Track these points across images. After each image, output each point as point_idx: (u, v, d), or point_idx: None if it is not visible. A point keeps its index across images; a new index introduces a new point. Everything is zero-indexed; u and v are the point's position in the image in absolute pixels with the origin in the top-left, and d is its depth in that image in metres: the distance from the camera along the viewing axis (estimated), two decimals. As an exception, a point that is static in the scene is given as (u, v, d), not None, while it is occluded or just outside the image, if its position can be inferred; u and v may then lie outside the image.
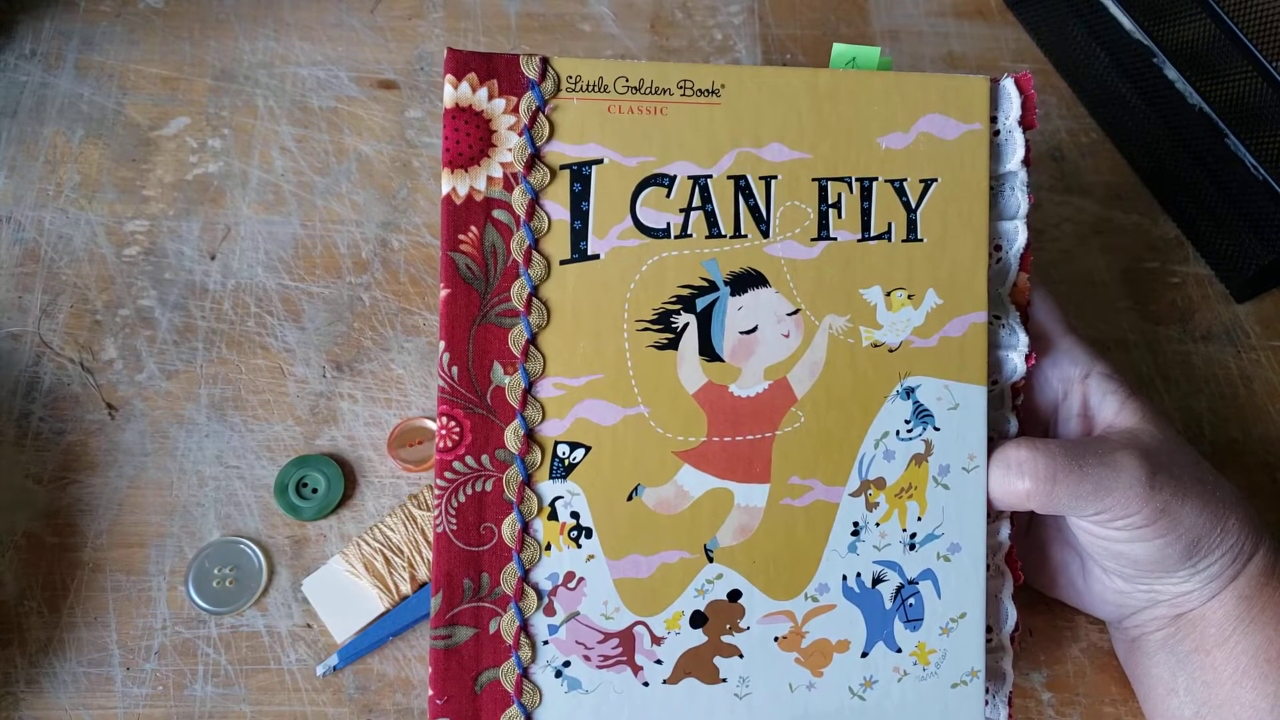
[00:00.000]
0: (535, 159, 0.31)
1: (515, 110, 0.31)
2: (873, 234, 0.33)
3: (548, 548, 0.32)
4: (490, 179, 0.31)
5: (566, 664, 0.32)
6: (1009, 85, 0.35)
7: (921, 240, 0.34)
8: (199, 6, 0.53)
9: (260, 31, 0.53)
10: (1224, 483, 0.35)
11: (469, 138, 0.31)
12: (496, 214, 0.31)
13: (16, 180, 0.48)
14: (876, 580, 0.34)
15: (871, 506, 0.33)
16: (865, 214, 0.33)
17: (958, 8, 0.57)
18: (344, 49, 0.53)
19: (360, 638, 0.40)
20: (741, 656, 0.33)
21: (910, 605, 0.34)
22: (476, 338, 0.31)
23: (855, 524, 0.33)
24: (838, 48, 0.35)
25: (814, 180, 0.33)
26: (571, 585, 0.32)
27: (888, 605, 0.34)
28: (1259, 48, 0.44)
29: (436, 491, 0.32)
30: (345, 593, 0.40)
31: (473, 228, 0.31)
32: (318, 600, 0.40)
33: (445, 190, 0.31)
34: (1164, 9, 0.50)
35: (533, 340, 0.31)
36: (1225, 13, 0.45)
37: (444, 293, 0.31)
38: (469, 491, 0.32)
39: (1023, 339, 0.35)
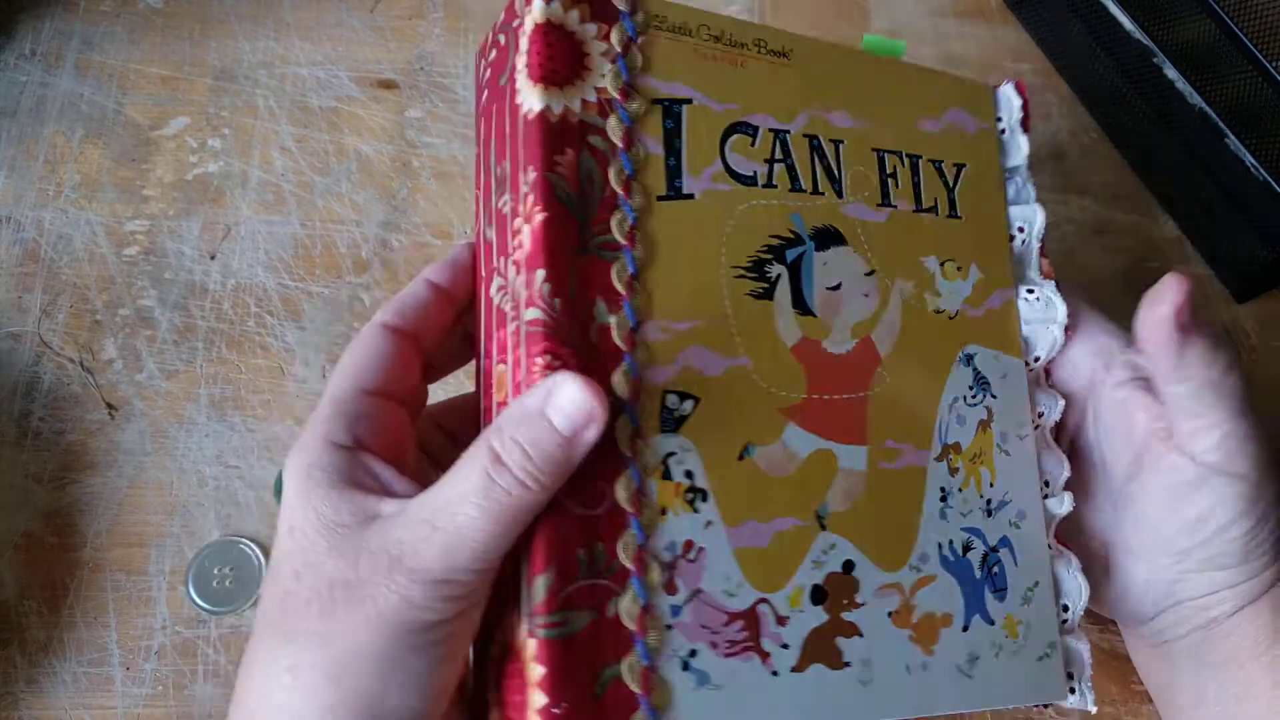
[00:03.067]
0: (630, 88, 0.29)
1: (607, 38, 0.29)
2: (924, 206, 0.34)
3: (663, 512, 0.27)
4: (585, 102, 0.28)
5: (693, 653, 0.27)
6: (1009, 90, 0.37)
7: (960, 218, 0.35)
8: (199, 6, 0.53)
9: (260, 31, 0.53)
10: None
11: (562, 56, 0.28)
12: (592, 139, 0.28)
13: (16, 180, 0.48)
14: (966, 548, 0.33)
15: (953, 472, 0.33)
16: (916, 187, 0.34)
17: (958, 7, 0.57)
18: (344, 49, 0.53)
19: (360, 638, 0.40)
20: (861, 636, 0.30)
21: (995, 574, 0.33)
22: (579, 269, 0.27)
23: (943, 489, 0.32)
24: (868, 38, 0.36)
25: (873, 150, 0.33)
26: (691, 556, 0.27)
27: (977, 574, 0.33)
28: (1259, 48, 0.44)
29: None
30: (345, 593, 0.40)
31: (568, 149, 0.27)
32: (318, 600, 0.40)
33: (536, 107, 0.27)
34: (1164, 9, 0.50)
35: (636, 276, 0.28)
36: (1225, 13, 0.45)
37: (540, 216, 0.27)
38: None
39: (1061, 309, 0.35)
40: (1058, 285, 0.36)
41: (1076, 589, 0.35)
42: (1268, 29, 0.45)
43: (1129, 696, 0.40)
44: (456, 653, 0.26)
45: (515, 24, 0.29)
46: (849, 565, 0.30)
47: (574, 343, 0.26)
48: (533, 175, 0.27)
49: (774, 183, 0.31)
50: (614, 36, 0.29)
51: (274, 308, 0.46)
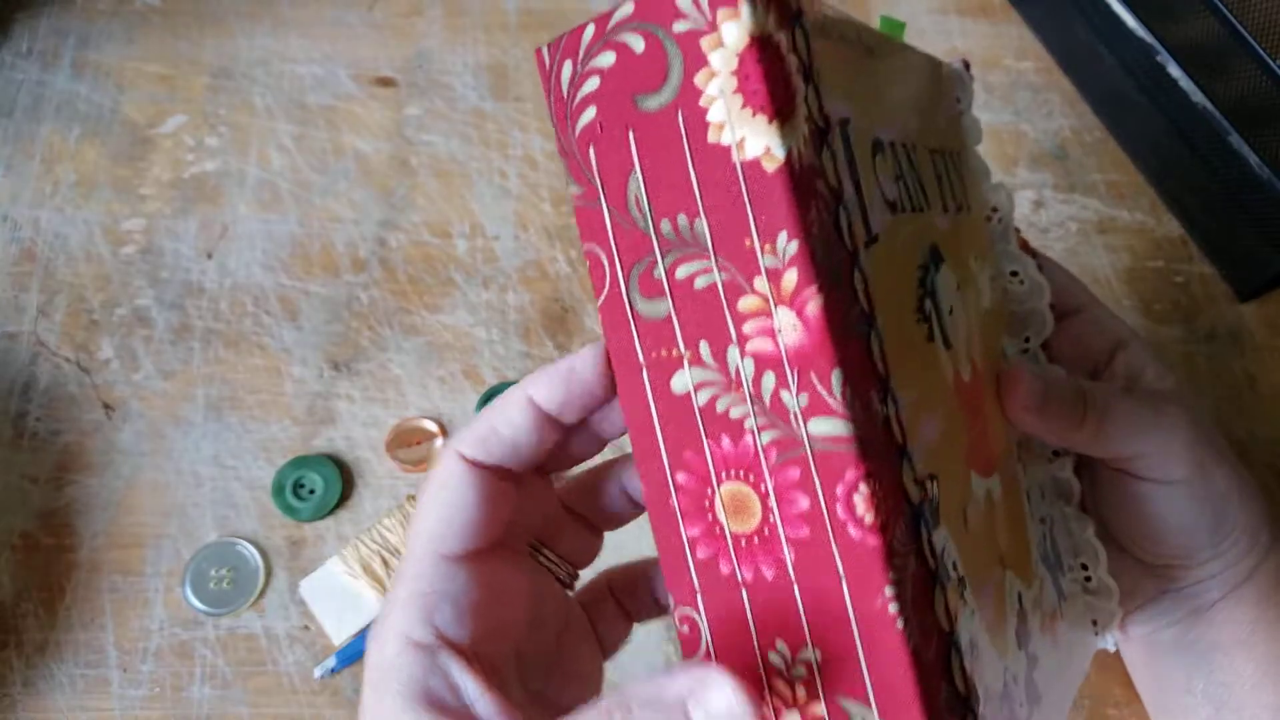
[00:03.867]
0: (823, 110, 0.22)
1: (795, 49, 0.21)
2: (959, 205, 0.32)
3: (955, 619, 0.23)
4: (805, 137, 0.21)
5: None
6: (960, 69, 0.35)
7: (969, 210, 0.33)
8: (196, 4, 0.53)
9: (258, 29, 0.52)
10: (1244, 469, 0.35)
11: (779, 80, 0.21)
12: (818, 184, 0.21)
13: (13, 179, 0.48)
14: (1043, 539, 0.32)
15: (1025, 468, 0.32)
16: (954, 186, 0.32)
17: (960, 4, 0.57)
18: (342, 46, 0.52)
19: (358, 639, 0.39)
20: (1039, 661, 0.28)
21: (1055, 551, 0.33)
22: (853, 362, 0.21)
23: (1026, 490, 0.32)
24: (882, 19, 0.34)
25: (929, 152, 0.29)
26: (976, 657, 0.23)
27: (1051, 558, 0.33)
28: (1263, 46, 0.44)
29: (890, 589, 0.21)
30: (343, 594, 0.40)
31: (814, 203, 0.21)
32: (315, 602, 0.40)
33: (779, 153, 0.20)
34: (1168, 6, 0.50)
35: (884, 348, 0.22)
36: (1229, 11, 0.45)
37: (816, 299, 0.20)
38: (906, 578, 0.21)
39: (1046, 290, 0.35)
40: (1039, 264, 0.36)
41: (1091, 549, 0.34)
42: (1271, 26, 0.45)
43: (1133, 698, 0.40)
44: None
45: (691, 29, 0.21)
46: (1021, 597, 0.28)
47: (880, 456, 0.21)
48: (793, 245, 0.20)
49: (905, 205, 0.26)
50: (800, 46, 0.22)
51: (271, 307, 0.46)
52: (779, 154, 0.20)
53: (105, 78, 0.50)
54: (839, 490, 0.21)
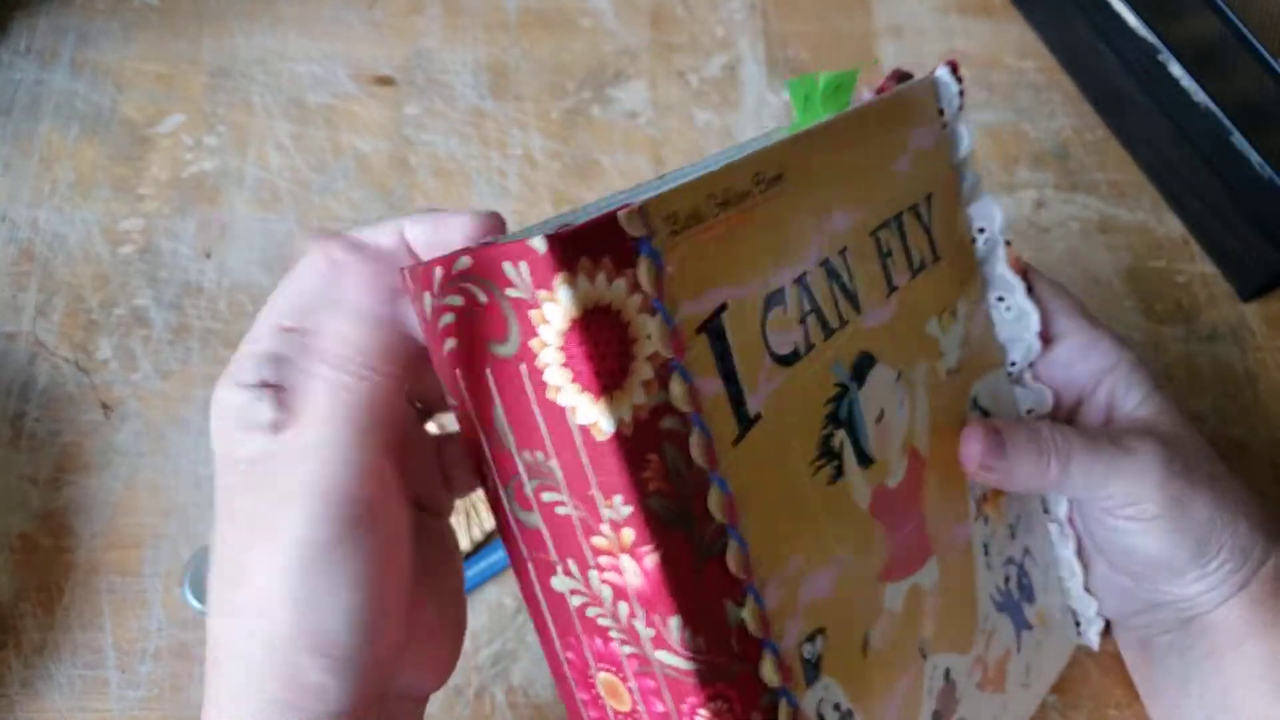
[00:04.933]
0: (678, 335, 0.23)
1: (636, 287, 0.22)
2: (916, 268, 0.32)
3: None
4: (645, 384, 0.22)
5: None
6: (945, 75, 0.33)
7: (941, 257, 0.33)
8: (195, 3, 0.53)
9: (256, 27, 0.52)
10: (1238, 484, 0.35)
11: (612, 345, 0.22)
12: (665, 424, 0.22)
13: (11, 178, 0.47)
14: (1006, 580, 0.34)
15: (986, 520, 0.34)
16: (906, 251, 0.31)
17: (962, 3, 0.57)
18: (341, 45, 0.52)
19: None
20: None
21: (1025, 584, 0.35)
22: (703, 586, 0.23)
23: (984, 544, 0.33)
24: (824, 77, 0.31)
25: (870, 235, 0.30)
26: None
27: (1016, 596, 0.34)
28: (1264, 45, 0.44)
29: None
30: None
31: (651, 456, 0.22)
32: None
33: (608, 428, 0.21)
34: (1169, 5, 0.50)
35: (746, 551, 0.24)
36: (1231, 9, 0.45)
37: (653, 556, 0.22)
38: None
39: (1034, 319, 0.35)
40: (1029, 286, 0.35)
41: (1070, 568, 0.37)
42: (1273, 25, 0.45)
43: (1133, 699, 0.40)
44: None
45: (520, 297, 0.21)
46: (947, 673, 0.31)
47: (727, 674, 0.23)
48: (628, 510, 0.22)
49: (812, 342, 0.27)
50: (643, 278, 0.22)
51: (270, 307, 0.46)
52: (607, 429, 0.21)
53: (104, 77, 0.50)
54: (684, 708, 0.23)
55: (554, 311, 0.21)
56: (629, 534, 0.22)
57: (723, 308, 0.24)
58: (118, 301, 0.45)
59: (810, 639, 0.26)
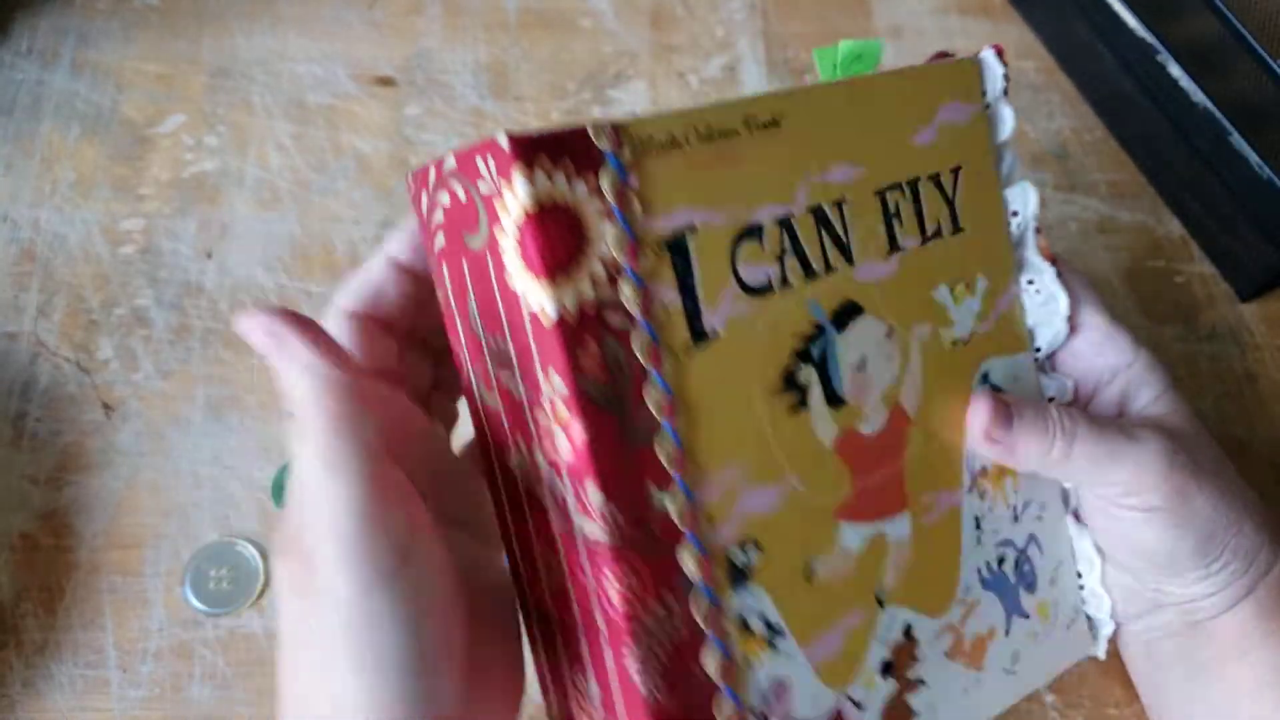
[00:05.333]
0: (635, 243, 0.26)
1: (598, 191, 0.25)
2: (929, 234, 0.33)
3: (749, 665, 0.28)
4: (595, 279, 0.25)
5: None
6: (990, 57, 0.35)
7: (964, 229, 0.34)
8: (195, 3, 0.53)
9: (256, 28, 0.52)
10: (1246, 488, 0.34)
11: (563, 238, 0.25)
12: (610, 318, 0.26)
13: (12, 178, 0.47)
14: (1000, 561, 0.34)
15: (983, 496, 0.34)
16: (919, 216, 0.32)
17: (961, 4, 0.57)
18: (341, 45, 0.52)
19: (358, 640, 0.39)
20: (926, 685, 0.32)
21: (1025, 571, 0.35)
22: (628, 466, 0.26)
23: (977, 518, 0.33)
24: (844, 45, 0.34)
25: (875, 193, 0.31)
26: (779, 693, 0.29)
27: (1012, 580, 0.34)
28: (1263, 45, 0.44)
29: (632, 659, 0.26)
30: (343, 595, 0.40)
31: (590, 342, 0.25)
32: (315, 602, 0.40)
33: (553, 313, 0.24)
34: (1168, 6, 0.50)
35: (681, 446, 0.27)
36: (1230, 10, 0.45)
37: (581, 430, 0.25)
38: (665, 644, 0.27)
39: (1063, 303, 0.35)
40: (1058, 271, 0.35)
41: (1088, 560, 0.36)
42: (1272, 26, 0.45)
43: (1133, 699, 0.40)
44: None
45: (488, 192, 0.25)
46: (908, 629, 0.32)
47: (643, 549, 0.26)
48: (562, 386, 0.25)
49: (789, 279, 0.29)
50: (605, 186, 0.26)
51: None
52: (551, 313, 0.24)
53: (104, 77, 0.50)
54: (600, 577, 0.26)
55: (512, 202, 0.24)
56: (564, 410, 0.25)
57: (691, 228, 0.27)
58: (118, 301, 0.45)
59: (743, 546, 0.28)
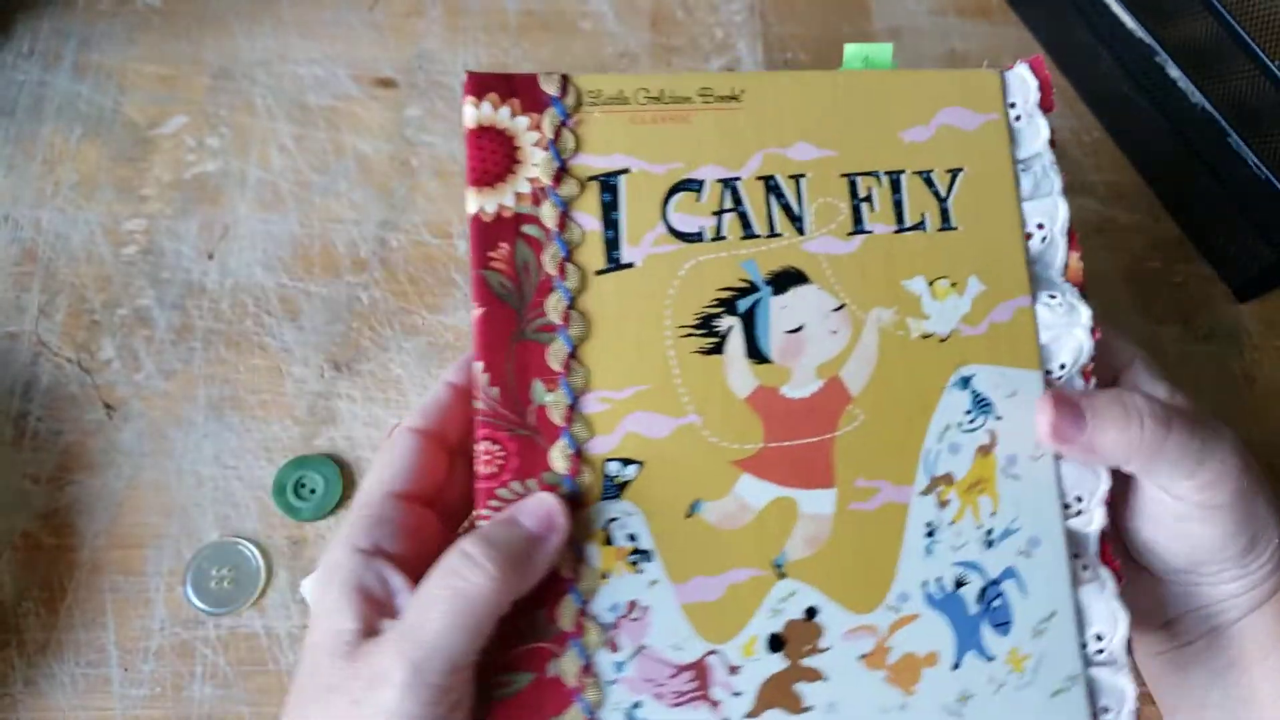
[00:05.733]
0: (562, 172, 0.31)
1: (538, 127, 0.31)
2: (908, 225, 0.33)
3: (604, 575, 0.29)
4: (519, 194, 0.31)
5: (637, 705, 0.29)
6: (1023, 71, 0.36)
7: (957, 229, 0.34)
8: (197, 5, 0.53)
9: (258, 30, 0.52)
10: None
11: (494, 155, 0.31)
12: (526, 229, 0.31)
13: (14, 179, 0.48)
14: (958, 584, 0.32)
15: (943, 504, 0.32)
16: (898, 205, 0.33)
17: (959, 5, 0.57)
18: (342, 47, 0.52)
19: (359, 639, 0.40)
20: (825, 680, 0.30)
21: (996, 607, 0.32)
22: (516, 355, 0.30)
23: (929, 524, 0.32)
24: (849, 47, 0.35)
25: (843, 176, 0.33)
26: (635, 616, 0.29)
27: (972, 610, 0.32)
28: (1261, 47, 0.44)
29: (480, 524, 0.29)
30: (344, 594, 0.40)
31: (503, 244, 0.30)
32: (316, 601, 0.40)
33: (473, 210, 0.30)
34: (1166, 7, 0.50)
35: (573, 353, 0.30)
36: (1227, 11, 0.45)
37: (478, 312, 0.30)
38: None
39: (1085, 314, 0.33)
40: (1083, 290, 0.34)
41: (1110, 616, 0.32)
42: (1269, 27, 0.45)
43: (1147, 701, 0.40)
44: None
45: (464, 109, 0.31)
46: (811, 611, 0.31)
47: (511, 427, 0.29)
48: (472, 274, 0.30)
49: (724, 234, 0.32)
50: (545, 124, 0.31)
51: (272, 307, 0.46)
52: (470, 209, 0.30)
53: (106, 78, 0.50)
54: (477, 448, 0.29)
55: (466, 120, 0.31)
56: (474, 294, 0.30)
57: (625, 171, 0.31)
58: (120, 302, 0.45)
59: (623, 462, 0.30)
